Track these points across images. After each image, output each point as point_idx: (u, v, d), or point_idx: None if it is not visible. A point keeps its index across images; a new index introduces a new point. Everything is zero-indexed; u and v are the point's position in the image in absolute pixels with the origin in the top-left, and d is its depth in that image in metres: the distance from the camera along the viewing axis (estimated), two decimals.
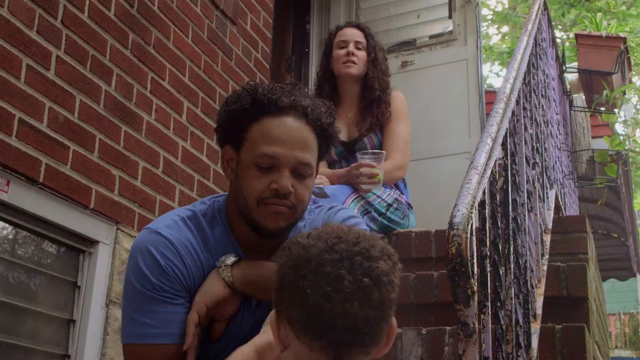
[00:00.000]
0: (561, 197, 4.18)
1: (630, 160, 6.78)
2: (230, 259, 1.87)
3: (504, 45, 13.46)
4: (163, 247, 1.84)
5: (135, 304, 1.83)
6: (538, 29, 3.42)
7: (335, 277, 1.19)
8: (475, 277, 1.58)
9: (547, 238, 3.03)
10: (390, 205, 3.39)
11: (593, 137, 6.07)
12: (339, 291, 1.18)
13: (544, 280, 2.71)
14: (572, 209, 4.95)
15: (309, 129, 1.87)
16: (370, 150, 3.43)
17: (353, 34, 3.72)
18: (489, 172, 1.87)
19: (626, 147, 6.03)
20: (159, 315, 1.80)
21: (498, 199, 2.04)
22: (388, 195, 3.42)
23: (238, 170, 1.88)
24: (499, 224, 2.01)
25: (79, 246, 2.75)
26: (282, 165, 1.82)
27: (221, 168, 1.99)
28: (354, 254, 1.22)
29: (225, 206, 1.96)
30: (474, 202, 1.65)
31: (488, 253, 1.84)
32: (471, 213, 1.59)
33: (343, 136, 3.58)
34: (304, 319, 1.21)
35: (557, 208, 3.90)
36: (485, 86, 5.27)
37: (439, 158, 4.81)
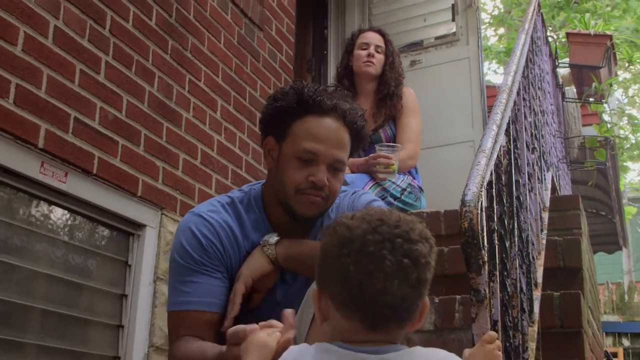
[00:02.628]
0: (557, 179, 4.15)
1: (617, 145, 6.71)
2: (274, 238, 1.89)
3: (501, 46, 13.32)
4: (204, 227, 1.87)
5: (178, 276, 1.86)
6: (534, 28, 3.38)
7: (378, 257, 1.15)
8: (485, 249, 1.57)
9: (546, 215, 3.00)
10: (404, 189, 3.38)
11: (583, 125, 6.02)
12: (381, 270, 1.14)
13: (543, 253, 2.69)
14: (565, 189, 4.91)
15: (345, 130, 1.88)
16: (387, 143, 3.44)
17: (374, 38, 3.72)
18: (495, 156, 1.85)
19: (613, 134, 5.97)
20: (198, 285, 1.82)
21: (503, 180, 2.02)
22: (402, 180, 3.41)
23: (279, 160, 1.88)
24: (504, 202, 1.99)
25: (128, 229, 2.76)
26: (320, 160, 1.83)
27: (262, 156, 2.00)
28: (395, 236, 1.17)
29: (262, 192, 1.96)
30: (482, 182, 1.63)
31: (495, 228, 1.82)
32: (481, 192, 1.58)
33: None
34: (346, 294, 1.17)
35: (553, 189, 3.87)
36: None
37: (446, 146, 4.76)
